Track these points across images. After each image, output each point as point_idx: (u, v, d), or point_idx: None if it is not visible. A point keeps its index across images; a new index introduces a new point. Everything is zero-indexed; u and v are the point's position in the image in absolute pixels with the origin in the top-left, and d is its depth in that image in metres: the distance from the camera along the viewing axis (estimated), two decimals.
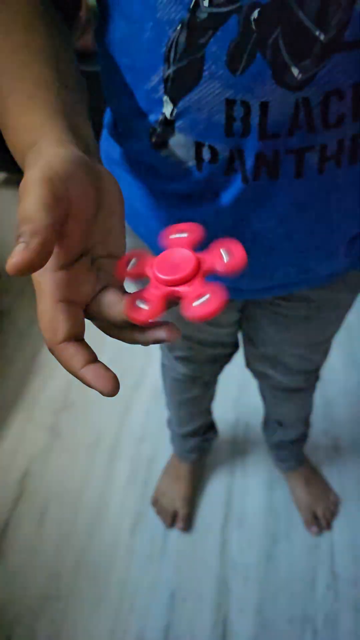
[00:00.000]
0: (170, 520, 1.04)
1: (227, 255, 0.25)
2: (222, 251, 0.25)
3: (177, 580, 0.97)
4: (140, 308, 0.24)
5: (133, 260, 0.26)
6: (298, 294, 0.60)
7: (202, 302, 0.23)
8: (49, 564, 1.00)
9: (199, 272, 0.25)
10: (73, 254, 0.26)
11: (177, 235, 0.27)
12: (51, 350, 0.25)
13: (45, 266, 0.23)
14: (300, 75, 0.33)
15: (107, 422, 1.22)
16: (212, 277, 0.25)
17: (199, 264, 0.25)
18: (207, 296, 0.23)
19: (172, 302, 0.25)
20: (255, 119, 0.36)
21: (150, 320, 0.24)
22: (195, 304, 0.23)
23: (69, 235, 0.25)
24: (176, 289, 0.24)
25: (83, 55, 0.60)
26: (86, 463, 1.15)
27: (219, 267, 0.25)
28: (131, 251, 0.27)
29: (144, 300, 0.25)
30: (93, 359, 0.25)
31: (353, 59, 0.33)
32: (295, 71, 0.33)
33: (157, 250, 0.27)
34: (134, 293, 0.25)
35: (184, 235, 0.27)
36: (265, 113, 0.35)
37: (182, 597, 0.95)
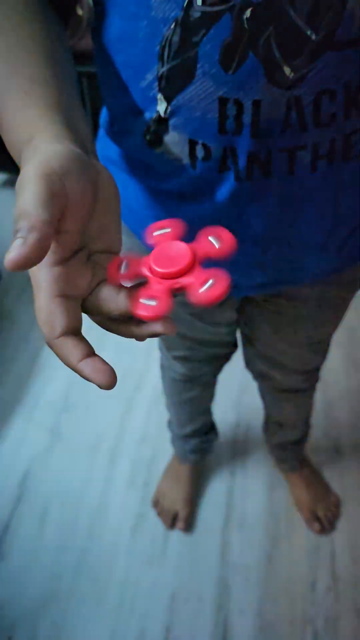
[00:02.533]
0: (171, 521, 1.04)
1: (216, 241, 0.26)
2: (210, 238, 0.26)
3: (178, 581, 0.97)
4: (149, 305, 0.24)
5: (124, 264, 0.27)
6: (295, 293, 0.60)
7: (208, 287, 0.24)
8: (49, 565, 1.00)
9: (195, 261, 0.25)
10: (70, 249, 0.26)
11: (160, 232, 0.27)
12: (49, 345, 0.26)
13: (42, 261, 0.23)
14: (292, 74, 0.34)
15: (107, 424, 1.22)
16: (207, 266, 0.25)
17: (194, 253, 0.25)
18: (211, 281, 0.24)
19: (176, 294, 0.25)
20: (247, 118, 0.36)
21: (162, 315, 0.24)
22: (201, 290, 0.24)
23: (65, 230, 0.25)
24: (179, 280, 0.25)
25: (84, 56, 0.60)
26: (87, 464, 1.15)
27: (213, 253, 0.25)
28: (118, 256, 0.28)
29: (150, 297, 0.25)
30: (91, 352, 0.26)
31: (344, 59, 0.34)
32: (287, 70, 0.34)
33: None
34: (136, 293, 0.25)
35: (167, 230, 0.27)
36: (257, 111, 0.36)
37: (183, 598, 0.95)
